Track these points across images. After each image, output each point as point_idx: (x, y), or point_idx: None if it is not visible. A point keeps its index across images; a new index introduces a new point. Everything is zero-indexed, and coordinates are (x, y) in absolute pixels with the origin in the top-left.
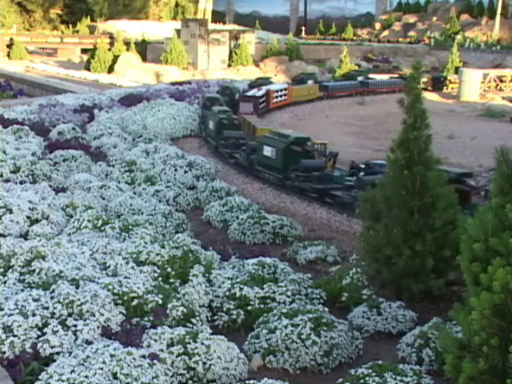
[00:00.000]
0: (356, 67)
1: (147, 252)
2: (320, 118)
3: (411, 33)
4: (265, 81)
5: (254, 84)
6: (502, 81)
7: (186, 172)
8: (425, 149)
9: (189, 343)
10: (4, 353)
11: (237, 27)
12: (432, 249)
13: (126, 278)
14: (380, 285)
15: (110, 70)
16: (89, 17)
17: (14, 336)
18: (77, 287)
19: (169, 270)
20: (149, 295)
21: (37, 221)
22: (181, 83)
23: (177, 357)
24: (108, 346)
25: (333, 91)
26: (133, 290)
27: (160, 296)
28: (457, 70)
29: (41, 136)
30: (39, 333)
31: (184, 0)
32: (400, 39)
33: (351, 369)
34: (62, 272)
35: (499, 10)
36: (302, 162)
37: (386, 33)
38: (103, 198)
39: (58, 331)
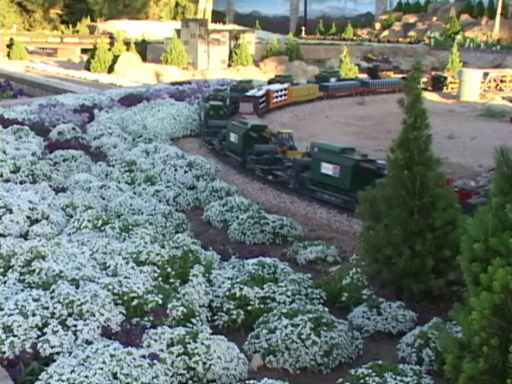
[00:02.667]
0: (356, 67)
1: (147, 252)
2: (320, 118)
3: (411, 33)
4: (247, 84)
5: (237, 88)
6: (502, 81)
7: (186, 172)
8: (425, 149)
9: (189, 343)
10: (4, 353)
11: (237, 27)
12: (432, 249)
13: (126, 277)
14: (380, 285)
15: (110, 69)
16: (89, 17)
17: (14, 336)
18: (77, 287)
19: (169, 270)
20: (149, 295)
21: (37, 221)
22: (181, 83)
23: (177, 357)
24: (108, 345)
25: (333, 91)
26: (133, 290)
27: (160, 296)
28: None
29: (41, 136)
30: (39, 333)
31: (184, 0)
32: (400, 39)
33: (351, 369)
34: (62, 272)
35: (499, 10)
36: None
37: (386, 33)
38: (103, 198)
39: (57, 331)
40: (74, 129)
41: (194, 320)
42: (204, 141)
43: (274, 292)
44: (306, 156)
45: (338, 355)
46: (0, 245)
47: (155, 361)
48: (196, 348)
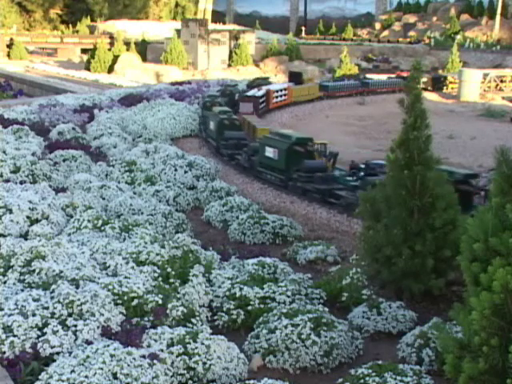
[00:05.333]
0: (356, 67)
1: (147, 252)
2: (320, 118)
3: (411, 33)
4: (263, 81)
5: (252, 84)
6: (502, 81)
7: (185, 172)
8: (425, 149)
9: (189, 343)
10: (4, 353)
11: (237, 27)
12: (432, 249)
13: (126, 278)
14: (380, 285)
15: (110, 69)
16: (89, 17)
17: (14, 336)
18: (77, 287)
19: (169, 270)
20: (149, 295)
21: (37, 221)
22: (181, 83)
23: (177, 357)
24: (108, 345)
25: (333, 91)
26: (133, 290)
27: (160, 296)
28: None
29: (41, 136)
30: (39, 333)
31: (184, 0)
32: (400, 39)
33: (351, 369)
34: (62, 272)
35: (499, 10)
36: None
37: (386, 33)
38: (103, 198)
39: (57, 331)
40: (74, 129)
41: (194, 320)
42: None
43: (274, 292)
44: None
45: (337, 355)
46: (0, 245)
47: (155, 361)
48: (196, 348)
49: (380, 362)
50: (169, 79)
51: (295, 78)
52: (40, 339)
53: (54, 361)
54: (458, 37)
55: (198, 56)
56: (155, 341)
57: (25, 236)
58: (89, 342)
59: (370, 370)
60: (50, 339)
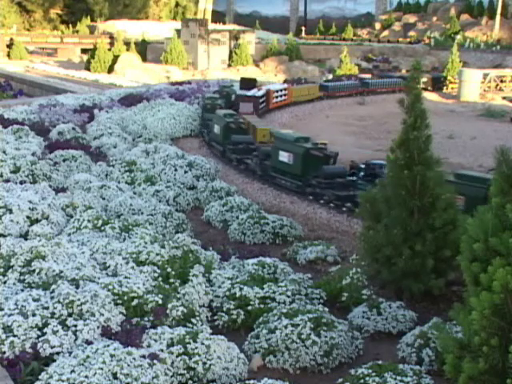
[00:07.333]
0: (356, 67)
1: (147, 252)
2: (320, 118)
3: (411, 33)
4: (229, 89)
5: (221, 91)
6: (502, 81)
7: (186, 172)
8: (425, 149)
9: (189, 343)
10: (4, 353)
11: (237, 27)
12: (432, 249)
13: (126, 278)
14: (380, 285)
15: (110, 69)
16: (89, 17)
17: (14, 336)
18: (77, 287)
19: (169, 270)
20: (149, 295)
21: (37, 221)
22: (181, 83)
23: (177, 357)
24: (108, 346)
25: (333, 91)
26: (133, 290)
27: (160, 296)
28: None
29: (41, 136)
30: (39, 333)
31: (184, 0)
32: (400, 39)
33: (351, 369)
34: (62, 272)
35: (499, 10)
36: None
37: (386, 33)
38: (103, 198)
39: (57, 331)
40: (74, 129)
41: (194, 320)
42: None
43: (274, 292)
44: None
45: (337, 355)
46: (0, 245)
47: (155, 361)
48: (196, 348)
49: (380, 362)
50: (169, 79)
51: (247, 84)
52: (40, 339)
53: (54, 361)
54: (458, 37)
55: (198, 56)
56: (155, 341)
57: (25, 236)
58: (89, 342)
59: (370, 370)
60: (50, 339)
